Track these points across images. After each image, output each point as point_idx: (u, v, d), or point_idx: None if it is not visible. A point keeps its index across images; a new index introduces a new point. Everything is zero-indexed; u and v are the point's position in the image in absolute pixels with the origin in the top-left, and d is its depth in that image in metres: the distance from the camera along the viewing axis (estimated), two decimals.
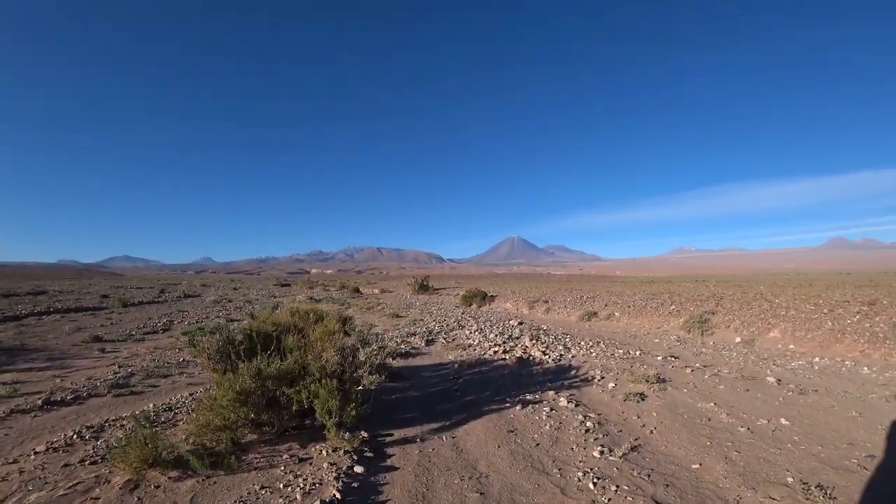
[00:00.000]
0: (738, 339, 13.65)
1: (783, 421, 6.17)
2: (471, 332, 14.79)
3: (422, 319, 19.29)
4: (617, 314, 20.21)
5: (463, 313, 22.72)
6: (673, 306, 19.14)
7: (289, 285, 66.03)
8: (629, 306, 20.92)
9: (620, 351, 11.38)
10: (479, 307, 29.51)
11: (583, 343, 12.45)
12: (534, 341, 12.48)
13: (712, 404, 6.99)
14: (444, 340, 13.52)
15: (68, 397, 8.24)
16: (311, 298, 34.21)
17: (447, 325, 17.09)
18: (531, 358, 10.52)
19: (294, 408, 5.56)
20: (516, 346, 12.01)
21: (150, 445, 4.99)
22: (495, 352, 11.16)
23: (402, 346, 12.32)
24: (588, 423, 6.17)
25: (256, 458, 5.29)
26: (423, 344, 12.98)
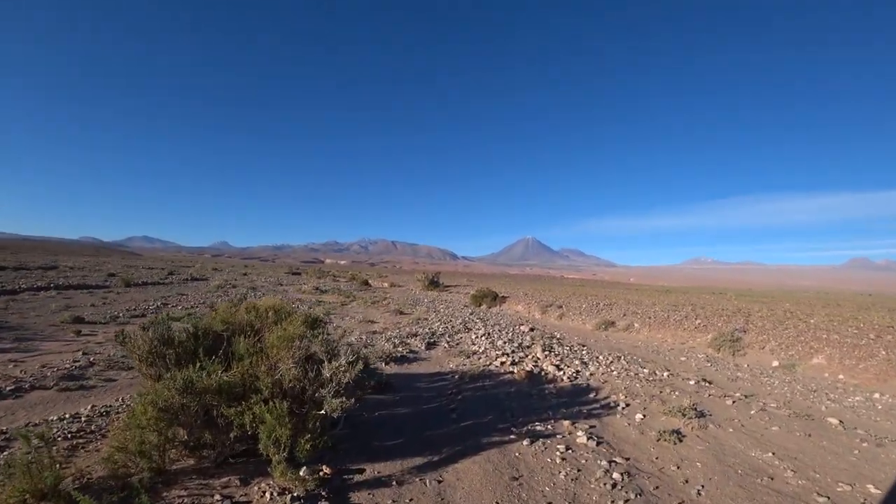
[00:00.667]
0: (775, 363, 12.12)
1: (872, 489, 4.72)
2: (477, 337, 13.46)
3: (426, 318, 18.02)
4: (637, 325, 18.73)
5: (471, 314, 21.41)
6: (699, 320, 17.59)
7: (299, 274, 65.44)
8: (650, 317, 19.42)
9: (645, 370, 9.96)
10: (489, 308, 28.15)
11: (601, 358, 11.05)
12: (546, 352, 11.11)
13: (770, 454, 5.54)
14: (446, 345, 12.22)
15: (7, 389, 7.13)
16: (317, 289, 33.25)
17: (452, 326, 15.81)
18: (543, 373, 9.17)
19: (233, 434, 4.31)
20: (526, 357, 10.65)
21: (40, 473, 3.79)
22: (502, 363, 9.82)
23: (400, 349, 11.05)
24: (615, 474, 4.77)
25: (180, 497, 4.03)
26: (423, 347, 11.69)
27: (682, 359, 12.39)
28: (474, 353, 11.01)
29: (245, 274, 53.41)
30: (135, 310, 17.33)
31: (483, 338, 13.23)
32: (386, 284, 50.59)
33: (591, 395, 7.89)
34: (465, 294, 37.09)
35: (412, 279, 54.12)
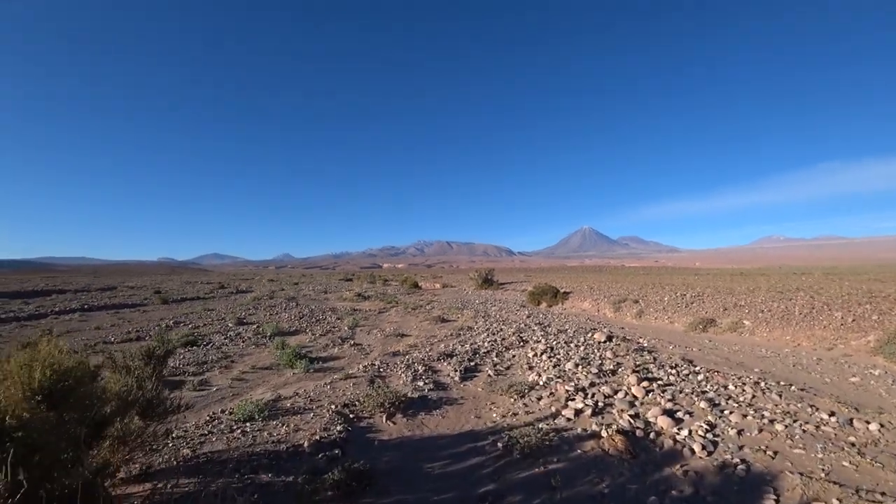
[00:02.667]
0: None
1: None
2: (536, 356, 9.74)
3: (471, 328, 14.46)
4: (747, 323, 14.28)
5: (528, 317, 17.64)
6: (839, 313, 12.98)
7: (351, 280, 63.79)
8: (760, 311, 14.90)
9: (820, 412, 5.92)
10: (550, 307, 24.16)
11: (733, 388, 7.03)
12: (644, 381, 7.22)
13: None
14: (491, 371, 8.58)
15: None
16: (360, 295, 30.58)
17: (503, 337, 12.16)
18: (653, 435, 5.32)
19: None
20: (614, 394, 6.75)
21: None
22: (578, 411, 6.04)
23: (421, 384, 7.59)
24: None
25: None
26: (456, 378, 8.15)
27: (854, 379, 8.12)
28: (531, 387, 7.29)
29: (296, 283, 52.19)
30: (139, 331, 15.11)
31: (545, 357, 9.46)
32: (437, 286, 47.51)
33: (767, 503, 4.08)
34: (522, 291, 33.14)
35: (466, 278, 50.69)
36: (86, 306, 24.62)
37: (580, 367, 8.37)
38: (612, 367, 8.36)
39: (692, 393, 6.68)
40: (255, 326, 15.79)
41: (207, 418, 6.19)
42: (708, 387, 7.06)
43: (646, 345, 11.52)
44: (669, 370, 8.10)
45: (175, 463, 4.66)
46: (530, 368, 8.72)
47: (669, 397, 6.44)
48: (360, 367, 8.98)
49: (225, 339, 13.45)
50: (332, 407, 6.35)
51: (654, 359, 9.24)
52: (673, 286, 24.47)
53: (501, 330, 13.51)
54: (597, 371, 7.98)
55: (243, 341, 13.01)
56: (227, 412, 6.37)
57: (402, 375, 8.19)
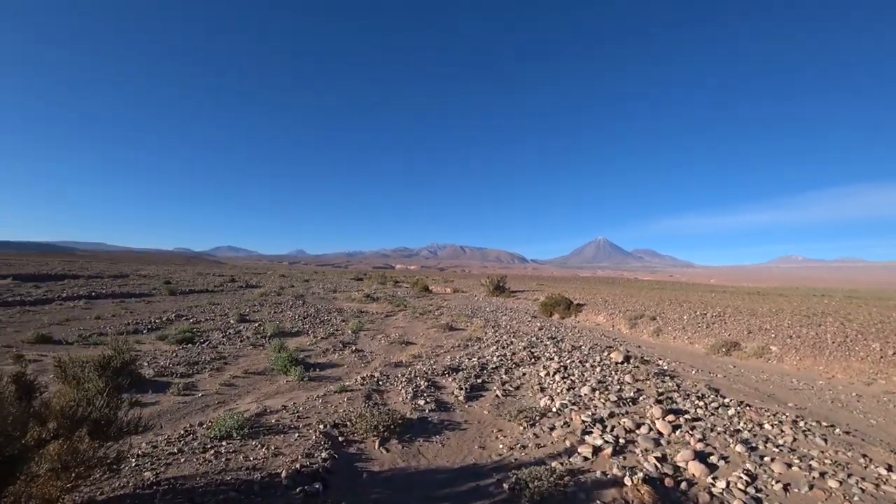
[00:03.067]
0: None
1: None
2: (548, 375, 9.01)
3: (481, 338, 13.76)
4: (774, 349, 13.39)
5: (540, 329, 16.89)
6: (877, 344, 12.04)
7: (361, 280, 63.41)
8: (789, 337, 13.99)
9: (880, 468, 5.11)
10: (563, 319, 23.37)
11: (769, 427, 6.24)
12: (670, 416, 6.43)
13: None
14: (499, 392, 7.86)
15: None
16: (369, 296, 30.01)
17: (514, 351, 11.44)
18: (683, 487, 4.54)
19: None
20: (637, 430, 5.98)
21: None
22: (596, 448, 5.29)
23: (422, 404, 6.93)
24: None
25: None
26: (460, 396, 7.46)
27: None
28: (543, 413, 6.56)
29: (307, 280, 51.91)
30: (138, 323, 14.71)
31: (557, 378, 8.72)
32: (448, 290, 46.81)
33: None
34: (534, 301, 32.31)
35: (478, 284, 49.92)
36: (93, 293, 24.47)
37: (597, 392, 7.61)
38: (632, 393, 7.60)
39: (725, 432, 5.90)
40: (256, 325, 15.29)
41: (182, 432, 5.60)
42: (741, 424, 6.27)
43: (666, 368, 10.75)
44: (696, 401, 7.31)
45: (131, 489, 4.06)
46: (542, 390, 7.99)
47: (700, 436, 5.68)
48: (359, 378, 8.35)
49: (223, 337, 12.94)
50: (321, 427, 5.71)
51: (678, 386, 8.47)
52: (691, 304, 23.49)
53: (512, 343, 12.79)
54: (616, 398, 7.23)
55: (241, 341, 12.48)
56: (205, 425, 5.78)
57: (403, 391, 7.52)
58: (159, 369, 8.99)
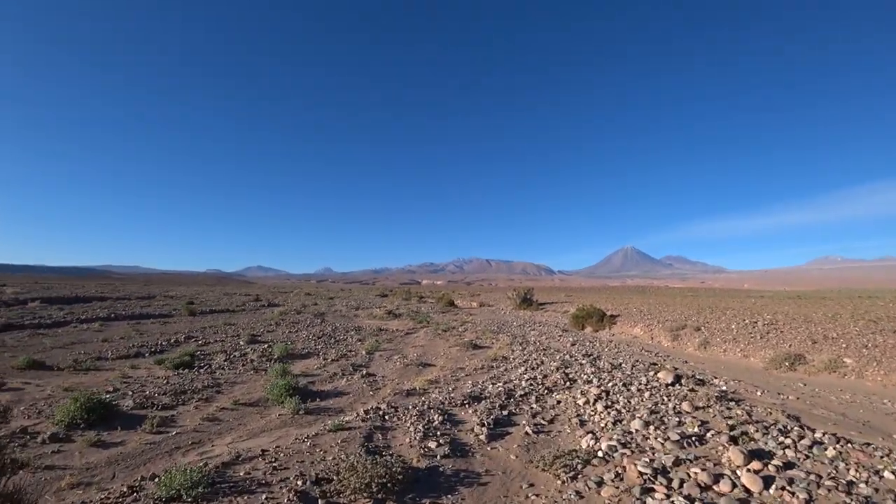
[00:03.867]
0: None
1: None
2: (587, 404, 7.49)
3: (507, 357, 12.33)
4: (848, 361, 11.55)
5: (573, 344, 15.34)
6: None
7: (386, 296, 62.49)
8: (864, 347, 12.11)
9: None
10: (596, 332, 21.69)
11: (891, 477, 4.65)
12: (754, 463, 4.80)
13: None
14: (528, 428, 6.39)
15: None
16: (391, 313, 28.83)
17: (545, 372, 9.95)
18: None
19: None
20: (715, 485, 4.29)
21: None
22: None
23: (433, 445, 5.60)
24: None
25: None
26: (481, 434, 6.03)
27: None
28: (587, 459, 5.08)
29: (332, 298, 51.19)
30: (143, 346, 13.85)
31: (599, 404, 7.22)
32: (474, 304, 45.35)
33: None
34: (564, 313, 30.55)
35: (504, 297, 48.27)
36: (112, 315, 24.05)
37: (652, 427, 6.12)
38: (696, 428, 6.07)
39: (836, 487, 4.37)
40: (265, 346, 14.22)
41: (125, 489, 4.41)
42: (852, 473, 4.72)
43: (725, 389, 9.15)
44: (780, 437, 5.75)
45: None
46: (582, 424, 6.54)
47: (805, 496, 4.16)
48: (363, 410, 7.04)
49: (226, 360, 11.89)
50: (299, 483, 4.42)
51: (749, 415, 6.90)
52: (734, 311, 21.49)
53: (542, 363, 11.29)
54: (677, 436, 5.71)
55: (244, 365, 11.39)
56: (158, 479, 4.58)
57: (412, 428, 6.18)
58: (141, 400, 7.92)
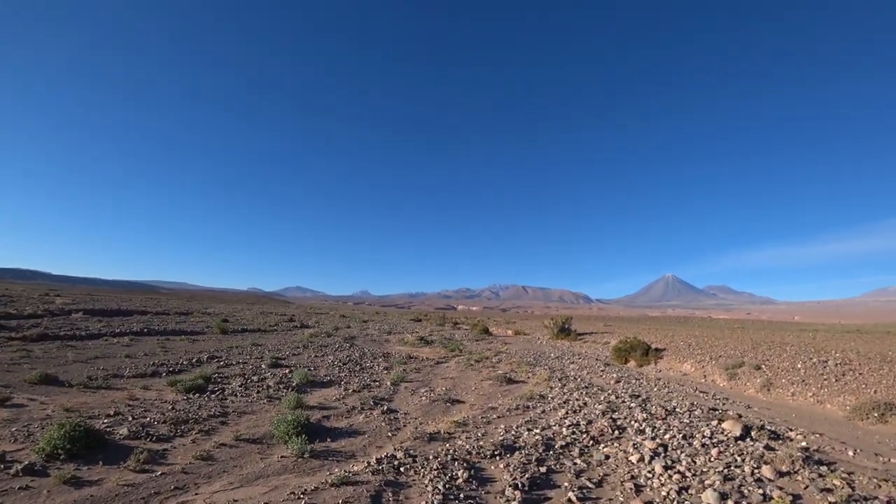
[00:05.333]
0: None
1: None
2: (641, 462, 6.12)
3: (545, 395, 11.05)
4: None
5: (617, 381, 13.90)
6: None
7: (420, 321, 61.72)
8: None
9: None
10: (640, 367, 20.01)
11: None
12: None
13: None
14: (573, 493, 5.10)
15: None
16: (423, 339, 27.82)
17: (589, 417, 8.64)
18: None
19: None
20: None
21: None
22: None
23: None
24: None
25: None
26: (514, 501, 4.86)
27: None
28: None
29: (366, 321, 50.74)
30: (164, 364, 13.36)
31: (656, 464, 5.90)
32: (510, 332, 43.83)
33: None
34: (604, 344, 28.74)
35: (540, 325, 46.51)
36: (145, 330, 24.15)
37: (731, 501, 4.84)
38: None
39: None
40: (287, 371, 13.45)
41: None
42: None
43: (806, 444, 7.66)
44: None
45: None
46: (637, 491, 5.29)
47: None
48: (375, 458, 6.00)
49: (241, 385, 11.15)
50: None
51: (850, 486, 5.51)
52: (793, 346, 19.39)
53: (586, 404, 9.94)
54: None
55: (258, 391, 10.60)
56: None
57: (430, 487, 5.09)
58: (137, 428, 7.17)
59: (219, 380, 11.68)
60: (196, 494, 5.06)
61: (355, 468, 5.65)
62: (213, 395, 9.91)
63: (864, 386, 12.10)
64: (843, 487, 5.43)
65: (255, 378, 12.15)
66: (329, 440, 7.22)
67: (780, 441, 7.73)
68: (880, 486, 5.59)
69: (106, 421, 7.54)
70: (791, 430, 8.87)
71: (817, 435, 8.68)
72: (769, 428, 8.58)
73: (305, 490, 4.89)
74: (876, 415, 10.35)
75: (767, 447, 7.08)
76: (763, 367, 15.70)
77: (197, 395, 9.88)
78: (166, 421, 7.69)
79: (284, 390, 10.85)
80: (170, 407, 8.74)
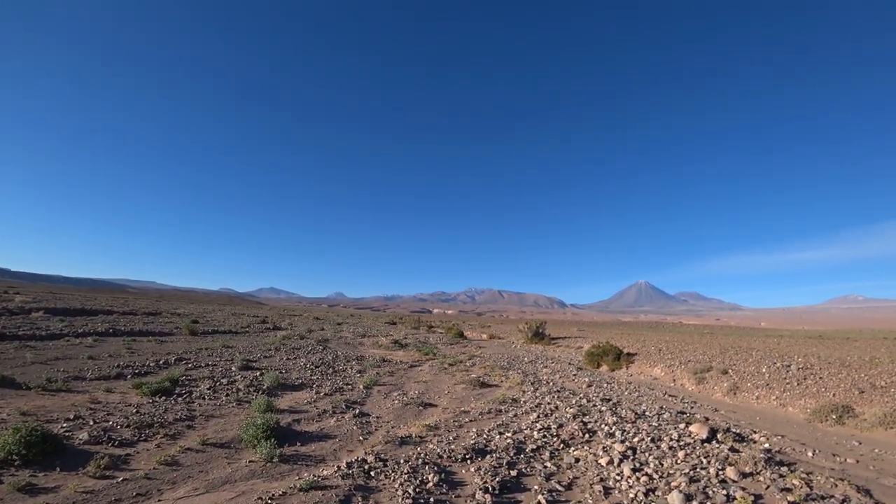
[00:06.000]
0: None
1: None
2: (611, 464, 6.21)
3: (517, 399, 11.11)
4: None
5: (590, 385, 14.10)
6: None
7: (395, 324, 61.37)
8: None
9: None
10: (612, 371, 20.32)
11: None
12: None
13: None
14: (542, 496, 5.15)
15: None
16: (397, 342, 27.66)
17: (560, 421, 8.73)
18: None
19: None
20: None
21: None
22: None
23: None
24: None
25: None
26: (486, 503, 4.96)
27: None
28: None
29: (340, 324, 50.15)
30: (128, 366, 12.91)
31: (625, 466, 5.98)
32: (484, 336, 43.94)
33: None
34: (577, 348, 29.11)
35: (515, 329, 46.83)
36: (111, 330, 23.37)
37: (695, 502, 4.96)
38: None
39: None
40: (257, 374, 13.20)
41: None
42: None
43: (768, 446, 7.91)
44: None
45: None
46: (606, 493, 5.37)
47: None
48: (346, 462, 5.95)
49: (210, 388, 10.89)
50: None
51: (808, 486, 5.71)
52: (759, 351, 20.01)
53: (557, 408, 10.04)
54: None
55: (227, 395, 10.36)
56: None
57: (400, 491, 5.08)
58: (99, 433, 6.93)
59: (187, 382, 11.38)
60: (159, 501, 4.93)
61: (325, 472, 5.59)
62: (180, 398, 9.64)
63: (823, 389, 12.55)
64: (801, 487, 5.62)
65: (224, 381, 11.89)
66: (299, 444, 7.12)
67: (745, 443, 7.96)
68: (836, 486, 5.80)
69: (65, 425, 7.26)
70: (755, 432, 9.14)
71: (779, 437, 8.98)
72: (734, 431, 8.83)
73: (273, 495, 4.81)
74: (834, 417, 10.76)
75: (732, 449, 7.27)
76: (730, 371, 16.15)
77: (163, 398, 9.60)
78: (130, 425, 7.45)
79: (254, 393, 10.64)
80: (134, 410, 8.48)
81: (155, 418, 7.98)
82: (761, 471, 6.16)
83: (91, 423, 7.50)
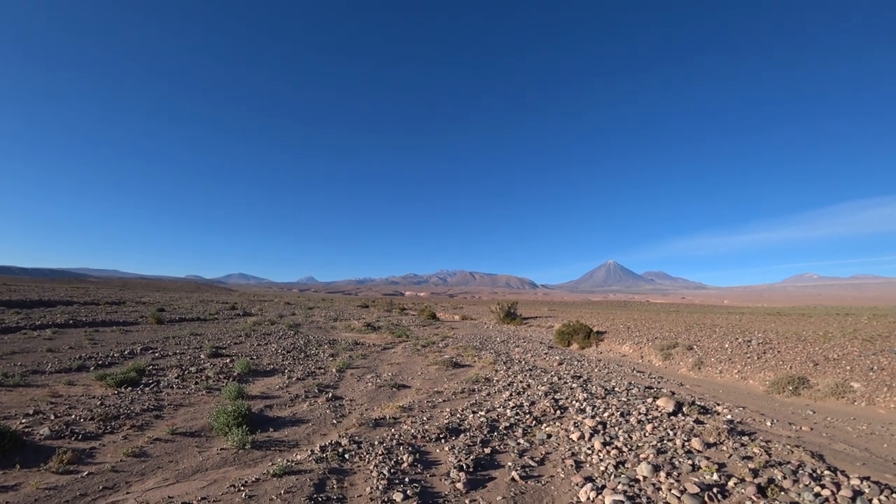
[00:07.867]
0: None
1: None
2: (582, 439, 6.44)
3: (490, 378, 11.27)
4: (856, 385, 10.74)
5: (560, 363, 14.39)
6: None
7: (368, 307, 61.09)
8: (871, 370, 11.35)
9: None
10: (583, 349, 20.80)
11: None
12: None
13: None
14: (515, 473, 5.27)
15: None
16: (369, 325, 27.59)
17: (532, 399, 8.92)
18: None
19: None
20: None
21: None
22: None
23: (397, 496, 4.43)
24: None
25: None
26: (459, 481, 4.88)
27: None
28: None
29: (311, 308, 49.62)
30: (91, 357, 12.44)
31: (596, 441, 6.18)
32: (457, 318, 44.27)
33: None
34: (548, 328, 29.67)
35: (487, 310, 47.27)
36: (71, 321, 22.47)
37: (662, 472, 5.15)
38: (714, 475, 5.10)
39: None
40: (227, 360, 12.97)
41: None
42: None
43: (731, 417, 8.26)
44: (813, 485, 4.83)
45: None
46: (578, 467, 5.54)
47: None
48: (319, 446, 5.94)
49: (178, 377, 10.64)
50: None
51: (768, 453, 5.99)
52: (722, 328, 20.82)
53: (529, 386, 10.24)
54: (696, 487, 4.74)
55: (197, 383, 10.16)
56: None
57: (375, 472, 5.10)
58: (61, 427, 6.69)
59: (154, 372, 11.08)
60: (127, 493, 4.80)
61: (298, 457, 5.56)
62: (147, 389, 9.39)
63: (781, 363, 13.17)
64: (761, 455, 5.90)
65: (193, 369, 11.63)
66: (272, 430, 7.05)
67: (709, 415, 8.29)
68: (793, 452, 6.11)
69: (24, 421, 6.96)
70: (718, 404, 9.52)
71: (741, 408, 9.38)
72: (699, 403, 9.17)
73: (246, 482, 4.76)
74: (790, 388, 11.32)
75: (697, 421, 7.57)
76: (694, 347, 16.76)
77: (129, 388, 9.33)
78: (94, 417, 7.22)
79: (225, 380, 10.47)
80: (98, 402, 8.21)
81: (121, 409, 7.76)
82: (724, 441, 6.43)
83: (52, 417, 7.23)
